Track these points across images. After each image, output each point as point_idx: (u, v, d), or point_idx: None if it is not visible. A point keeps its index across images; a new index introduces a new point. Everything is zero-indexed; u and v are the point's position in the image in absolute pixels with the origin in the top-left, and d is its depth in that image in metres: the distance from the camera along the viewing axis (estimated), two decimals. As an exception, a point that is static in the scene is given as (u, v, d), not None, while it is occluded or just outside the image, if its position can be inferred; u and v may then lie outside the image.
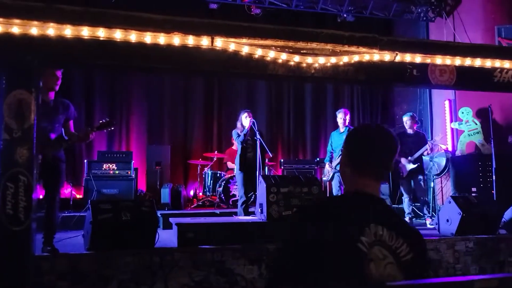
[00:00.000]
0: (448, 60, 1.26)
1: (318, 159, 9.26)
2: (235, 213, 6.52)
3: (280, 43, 1.08)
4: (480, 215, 5.79)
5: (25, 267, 2.09)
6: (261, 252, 4.51)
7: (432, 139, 7.26)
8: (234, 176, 7.28)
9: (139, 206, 4.43)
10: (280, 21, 9.11)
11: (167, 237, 5.07)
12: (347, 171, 1.54)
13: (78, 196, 8.24)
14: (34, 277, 3.34)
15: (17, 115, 1.31)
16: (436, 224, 6.06)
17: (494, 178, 6.95)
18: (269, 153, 6.84)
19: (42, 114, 3.73)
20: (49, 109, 4.23)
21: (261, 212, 5.22)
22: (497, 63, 1.37)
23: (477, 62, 1.35)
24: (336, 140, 6.93)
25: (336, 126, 7.28)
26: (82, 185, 7.66)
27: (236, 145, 6.95)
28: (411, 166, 6.75)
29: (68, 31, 0.96)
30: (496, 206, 5.98)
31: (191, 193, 9.28)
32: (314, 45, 1.13)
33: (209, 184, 8.31)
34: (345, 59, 1.17)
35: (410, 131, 6.94)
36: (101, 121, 4.47)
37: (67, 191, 8.32)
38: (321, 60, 1.14)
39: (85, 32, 0.96)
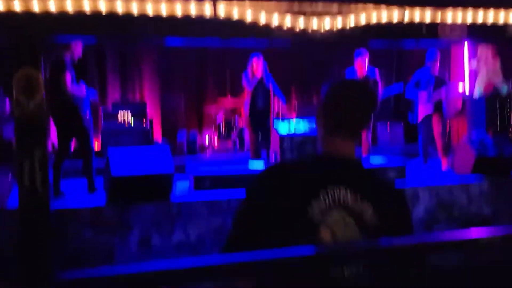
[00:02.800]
0: (459, 14, 1.18)
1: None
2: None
3: (285, 5, 1.03)
4: (496, 155, 5.79)
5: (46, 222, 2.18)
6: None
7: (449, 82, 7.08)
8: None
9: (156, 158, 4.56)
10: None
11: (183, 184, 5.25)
12: (320, 130, 1.48)
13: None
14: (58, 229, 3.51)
15: (27, 91, 1.30)
16: (452, 165, 6.09)
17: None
18: (283, 100, 6.77)
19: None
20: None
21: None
22: None
23: (490, 15, 1.27)
24: None
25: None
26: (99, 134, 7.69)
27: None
28: (430, 106, 6.65)
29: (69, 2, 0.93)
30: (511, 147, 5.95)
31: (206, 138, 9.32)
32: (319, 4, 1.08)
33: (223, 131, 8.36)
34: (351, 18, 1.12)
35: (432, 72, 6.70)
36: None
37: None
38: (327, 21, 1.09)
39: (86, 2, 0.92)
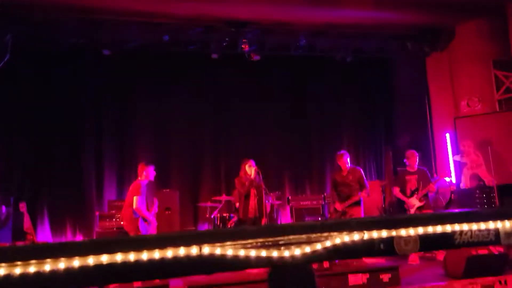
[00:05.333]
0: (411, 231, 1.42)
1: (325, 194, 9.34)
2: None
3: (261, 240, 1.24)
4: (486, 255, 5.86)
5: None
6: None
7: (436, 176, 7.36)
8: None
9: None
10: (281, 65, 9.39)
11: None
12: None
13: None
14: None
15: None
16: (444, 267, 6.13)
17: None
18: (274, 204, 6.99)
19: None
20: None
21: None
22: (457, 227, 1.53)
23: (438, 228, 1.51)
24: (342, 181, 7.02)
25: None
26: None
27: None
28: (417, 204, 6.83)
29: (76, 262, 1.13)
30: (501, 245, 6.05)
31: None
32: (291, 237, 1.30)
33: (219, 226, 8.43)
34: (318, 246, 1.34)
35: (412, 168, 7.04)
36: None
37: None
38: (297, 251, 1.31)
39: (91, 260, 1.12)
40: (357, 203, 6.73)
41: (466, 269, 5.80)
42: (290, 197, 9.24)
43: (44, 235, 8.37)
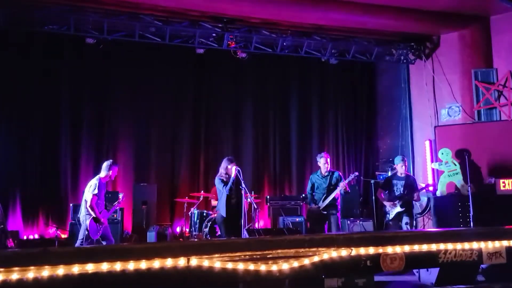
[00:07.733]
0: (398, 248, 1.40)
1: (303, 195, 9.36)
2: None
3: (249, 253, 1.20)
4: (459, 264, 5.96)
5: None
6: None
7: (424, 186, 7.50)
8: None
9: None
10: (266, 64, 9.35)
11: None
12: None
13: (63, 236, 8.20)
14: None
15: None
16: (417, 272, 6.21)
17: (471, 220, 7.15)
18: (254, 203, 6.96)
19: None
20: None
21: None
22: (442, 246, 1.53)
23: (424, 247, 1.50)
24: (320, 183, 7.04)
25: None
26: (67, 230, 7.66)
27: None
28: (397, 209, 6.89)
29: (61, 270, 1.06)
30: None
31: (178, 229, 9.31)
32: (279, 251, 1.26)
33: (195, 223, 8.35)
34: (306, 261, 1.31)
35: (401, 174, 7.10)
36: None
37: (51, 231, 8.33)
38: (285, 265, 1.28)
39: (76, 268, 1.06)
40: (334, 205, 6.79)
41: (439, 277, 5.89)
42: (268, 197, 9.24)
43: (16, 224, 8.15)
